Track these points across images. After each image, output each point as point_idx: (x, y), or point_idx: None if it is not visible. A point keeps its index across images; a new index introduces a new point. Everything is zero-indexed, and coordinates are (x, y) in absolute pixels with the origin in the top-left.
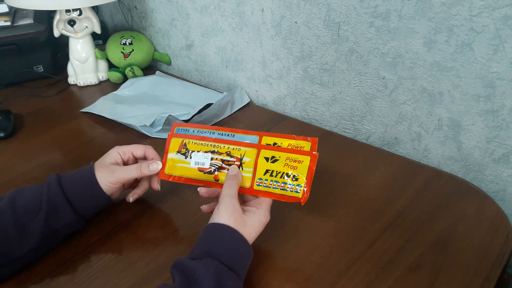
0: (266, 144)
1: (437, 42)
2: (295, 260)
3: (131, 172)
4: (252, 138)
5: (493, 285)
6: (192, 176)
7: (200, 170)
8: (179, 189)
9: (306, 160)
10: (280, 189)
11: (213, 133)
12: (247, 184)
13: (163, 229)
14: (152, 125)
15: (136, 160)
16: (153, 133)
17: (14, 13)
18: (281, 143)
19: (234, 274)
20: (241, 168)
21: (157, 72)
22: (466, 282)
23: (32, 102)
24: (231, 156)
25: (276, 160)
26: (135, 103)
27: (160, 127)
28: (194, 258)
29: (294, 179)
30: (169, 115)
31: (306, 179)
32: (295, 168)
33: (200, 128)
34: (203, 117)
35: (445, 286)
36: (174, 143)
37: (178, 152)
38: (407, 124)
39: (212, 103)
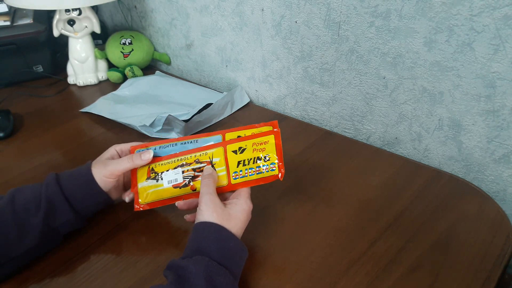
0: (230, 139)
1: (437, 42)
2: (295, 260)
3: (123, 163)
4: (216, 138)
5: (494, 285)
6: (169, 196)
7: (175, 186)
8: None
9: (271, 138)
10: (257, 173)
11: (175, 144)
12: (224, 182)
13: (163, 229)
14: (152, 125)
15: None
16: (152, 133)
17: (13, 13)
18: (244, 134)
19: (226, 269)
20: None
21: (157, 72)
22: (467, 282)
23: (31, 102)
24: (201, 162)
25: (244, 149)
26: (134, 103)
27: (160, 127)
28: (185, 258)
29: (266, 160)
30: (169, 115)
31: (277, 155)
32: (263, 149)
33: (161, 144)
34: (203, 117)
35: (445, 286)
36: (141, 172)
37: (147, 178)
38: (408, 124)
39: (212, 103)
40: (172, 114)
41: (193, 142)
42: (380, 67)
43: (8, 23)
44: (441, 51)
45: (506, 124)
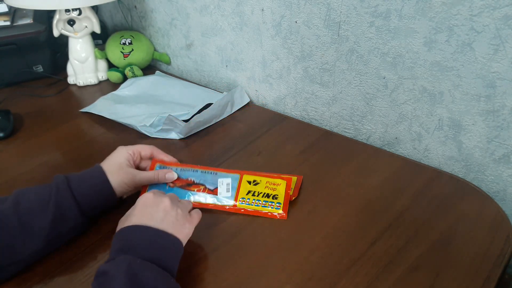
0: (248, 181)
1: (437, 42)
2: (295, 260)
3: (148, 177)
4: (234, 176)
5: (494, 285)
6: None
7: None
8: None
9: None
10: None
11: (196, 171)
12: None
13: None
14: (152, 125)
15: (141, 159)
16: (153, 133)
17: (13, 12)
18: (260, 180)
19: (152, 263)
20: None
21: (157, 72)
22: (467, 282)
23: (31, 102)
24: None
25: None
26: (134, 103)
27: (160, 127)
28: (109, 261)
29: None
30: (169, 115)
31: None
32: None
33: (182, 167)
34: (203, 117)
35: (445, 287)
36: None
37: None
38: (408, 124)
39: (212, 103)
40: (172, 114)
41: (212, 173)
42: (380, 67)
43: (8, 23)
44: (441, 51)
45: (506, 124)
